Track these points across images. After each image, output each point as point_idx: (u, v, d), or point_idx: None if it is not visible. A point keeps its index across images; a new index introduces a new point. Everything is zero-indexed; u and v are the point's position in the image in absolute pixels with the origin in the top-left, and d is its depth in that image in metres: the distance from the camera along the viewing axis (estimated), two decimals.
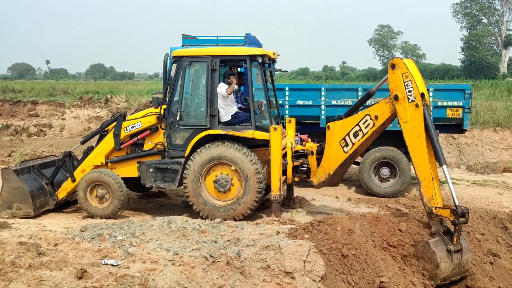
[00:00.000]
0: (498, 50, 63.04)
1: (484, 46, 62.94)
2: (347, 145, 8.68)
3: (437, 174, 7.67)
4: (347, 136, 8.64)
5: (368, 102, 9.36)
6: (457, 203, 7.22)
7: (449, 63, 68.92)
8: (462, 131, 12.27)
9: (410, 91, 7.77)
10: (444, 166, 7.50)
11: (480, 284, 7.26)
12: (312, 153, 9.50)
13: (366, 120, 8.42)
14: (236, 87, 9.66)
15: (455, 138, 19.31)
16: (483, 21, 65.57)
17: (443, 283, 7.24)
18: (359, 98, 9.24)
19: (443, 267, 7.06)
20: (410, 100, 7.75)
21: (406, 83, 7.80)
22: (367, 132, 8.44)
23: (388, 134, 11.79)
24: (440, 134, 12.63)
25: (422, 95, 7.73)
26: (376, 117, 8.31)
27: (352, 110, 9.00)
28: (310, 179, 9.46)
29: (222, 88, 9.32)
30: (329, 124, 8.99)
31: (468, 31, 65.48)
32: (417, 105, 7.68)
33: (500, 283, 7.45)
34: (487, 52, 62.04)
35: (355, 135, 8.56)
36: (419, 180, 7.66)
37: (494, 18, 64.15)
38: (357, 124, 8.51)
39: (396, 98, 7.90)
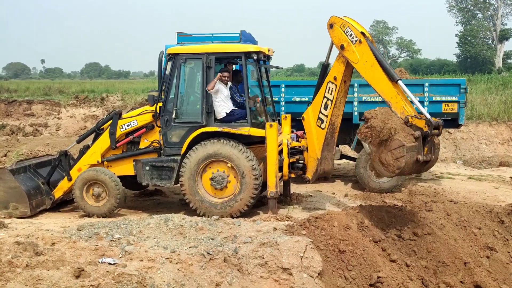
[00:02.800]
0: (493, 45, 63.07)
1: (479, 41, 62.96)
2: (322, 121, 9.14)
3: (400, 90, 8.07)
4: (320, 114, 9.13)
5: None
6: (428, 117, 7.52)
7: (444, 58, 68.97)
8: (457, 126, 12.29)
9: (351, 35, 8.43)
10: (399, 81, 8.07)
11: (477, 278, 7.28)
12: (307, 149, 9.51)
13: (329, 87, 8.98)
14: (230, 83, 9.66)
15: (451, 133, 19.34)
16: (478, 15, 65.56)
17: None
18: (318, 76, 9.59)
19: (404, 170, 7.32)
20: (354, 42, 8.40)
21: (345, 31, 8.50)
22: (333, 98, 8.95)
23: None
24: None
25: (362, 33, 8.42)
26: (335, 78, 8.88)
27: (316, 91, 9.34)
28: (306, 175, 9.49)
29: (217, 85, 9.31)
30: (303, 115, 9.40)
31: (463, 26, 65.48)
32: (360, 41, 8.34)
33: (497, 277, 7.48)
34: (483, 46, 62.05)
35: (326, 107, 9.05)
36: (387, 102, 8.01)
37: (489, 12, 64.15)
38: (324, 96, 9.04)
39: (342, 47, 8.54)
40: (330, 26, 8.71)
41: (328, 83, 8.99)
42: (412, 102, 7.99)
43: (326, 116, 9.10)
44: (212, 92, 9.20)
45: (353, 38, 8.42)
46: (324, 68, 9.41)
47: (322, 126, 9.15)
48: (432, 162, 7.68)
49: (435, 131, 7.52)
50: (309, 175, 9.49)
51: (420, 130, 7.39)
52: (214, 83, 9.25)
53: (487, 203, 9.69)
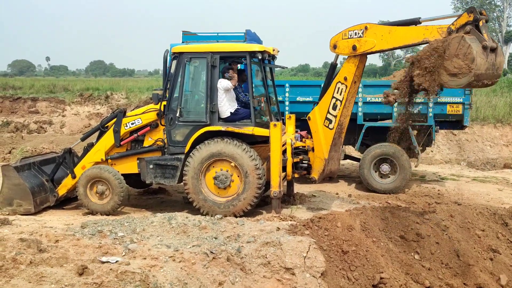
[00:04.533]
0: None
1: None
2: (330, 121, 9.18)
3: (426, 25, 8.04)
4: (328, 114, 9.16)
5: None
6: (467, 9, 7.37)
7: None
8: (462, 127, 12.27)
9: (355, 33, 8.58)
10: (421, 20, 8.07)
11: (480, 280, 7.27)
12: (312, 149, 9.51)
13: (339, 88, 8.99)
14: (237, 83, 9.69)
15: (456, 135, 19.30)
16: None
17: (475, 83, 7.20)
18: (326, 77, 9.63)
19: (479, 62, 6.89)
20: (362, 34, 8.50)
21: (349, 36, 8.67)
22: (343, 98, 8.97)
23: (389, 131, 11.84)
24: (440, 130, 12.65)
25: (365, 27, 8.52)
26: (345, 79, 8.90)
27: (324, 91, 9.36)
28: (311, 175, 9.48)
29: (223, 83, 9.33)
30: (308, 115, 9.42)
31: None
32: (366, 28, 8.46)
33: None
34: None
35: (334, 107, 9.09)
36: (424, 40, 7.81)
37: (495, 14, 63.94)
38: (333, 97, 9.06)
39: (355, 48, 8.60)
40: (334, 47, 8.86)
41: (337, 83, 9.01)
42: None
43: (335, 116, 9.13)
44: (228, 88, 9.34)
45: (358, 32, 8.56)
46: (332, 68, 9.42)
47: (330, 126, 9.19)
48: (498, 49, 7.31)
49: (482, 16, 7.25)
50: (315, 175, 9.49)
51: (466, 24, 7.29)
52: (236, 81, 9.49)
53: (491, 205, 9.67)
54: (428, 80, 7.34)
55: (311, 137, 9.97)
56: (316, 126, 9.35)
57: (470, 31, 7.20)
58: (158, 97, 9.60)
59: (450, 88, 7.94)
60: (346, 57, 9.00)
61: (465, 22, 7.35)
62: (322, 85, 9.91)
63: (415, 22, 8.14)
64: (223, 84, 9.35)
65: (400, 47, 8.55)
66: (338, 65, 9.60)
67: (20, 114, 25.08)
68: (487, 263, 7.62)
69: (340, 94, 9.02)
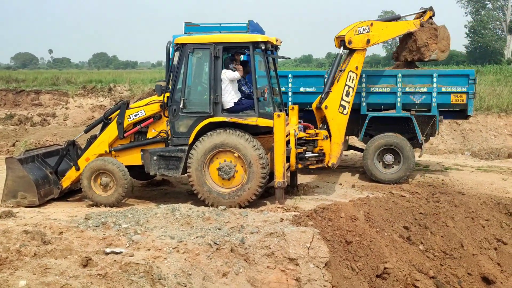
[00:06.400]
0: (503, 36, 62.45)
1: (489, 32, 62.38)
2: (344, 108, 10.27)
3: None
4: (342, 101, 10.21)
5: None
6: (425, 8, 11.98)
7: (453, 49, 68.16)
8: (466, 117, 12.20)
9: (363, 29, 10.47)
10: (400, 16, 11.91)
11: (485, 270, 7.27)
12: (326, 137, 9.73)
13: (351, 76, 10.33)
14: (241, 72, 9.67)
15: (459, 124, 19.24)
16: (487, 6, 64.89)
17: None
18: (333, 65, 10.62)
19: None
20: (369, 29, 10.57)
21: (359, 32, 10.43)
22: (354, 85, 10.39)
23: (392, 121, 11.80)
24: (444, 120, 12.56)
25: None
26: (356, 68, 10.45)
27: (332, 80, 10.38)
28: (330, 162, 9.84)
29: (228, 73, 9.31)
30: (324, 104, 10.19)
31: (473, 16, 64.90)
32: (372, 24, 10.65)
33: (505, 269, 7.46)
34: (492, 37, 61.45)
35: (347, 94, 10.29)
36: (408, 31, 11.73)
37: (499, 3, 63.46)
38: (346, 85, 10.27)
39: (368, 41, 10.58)
40: (349, 42, 10.30)
41: (349, 72, 10.29)
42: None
43: (348, 102, 10.27)
44: (235, 79, 9.42)
45: (365, 28, 10.48)
46: (340, 57, 10.53)
47: (345, 112, 10.25)
48: None
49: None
50: (333, 160, 9.92)
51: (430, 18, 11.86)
52: (242, 71, 9.55)
53: (495, 194, 9.65)
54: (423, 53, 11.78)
55: (315, 127, 10.01)
56: (332, 114, 10.11)
57: (432, 22, 11.84)
58: (161, 89, 9.57)
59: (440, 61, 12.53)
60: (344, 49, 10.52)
61: (429, 17, 11.82)
62: (326, 75, 10.65)
63: (397, 18, 11.76)
64: (229, 74, 9.33)
65: (393, 38, 12.24)
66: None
67: (24, 106, 25.13)
68: (491, 253, 7.63)
69: (352, 82, 10.34)
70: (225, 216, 7.50)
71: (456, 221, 7.78)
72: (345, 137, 12.00)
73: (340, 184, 11.46)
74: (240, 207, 8.92)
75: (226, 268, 6.08)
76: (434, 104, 11.55)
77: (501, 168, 13.52)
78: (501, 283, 7.28)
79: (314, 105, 10.26)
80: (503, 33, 62.58)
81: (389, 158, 11.71)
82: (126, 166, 9.71)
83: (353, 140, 14.49)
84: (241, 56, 10.19)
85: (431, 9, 11.85)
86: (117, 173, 9.54)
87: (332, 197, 10.10)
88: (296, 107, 10.31)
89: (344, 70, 10.34)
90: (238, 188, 9.18)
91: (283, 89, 11.72)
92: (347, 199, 9.23)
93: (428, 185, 11.30)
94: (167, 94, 9.51)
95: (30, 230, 6.44)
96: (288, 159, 9.34)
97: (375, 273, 6.67)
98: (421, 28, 11.70)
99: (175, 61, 9.51)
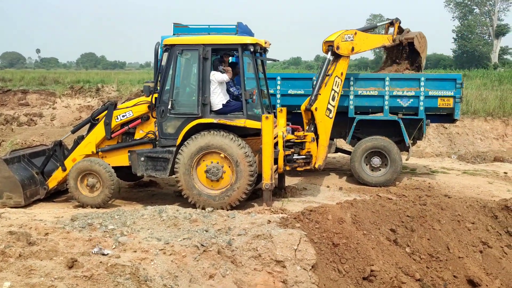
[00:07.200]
0: (489, 40, 63.08)
1: (476, 36, 62.99)
2: (330, 111, 10.56)
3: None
4: (328, 105, 10.48)
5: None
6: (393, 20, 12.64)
7: (440, 53, 68.82)
8: (453, 120, 12.29)
9: (349, 36, 10.84)
10: (375, 26, 13.56)
11: (470, 273, 7.31)
12: (314, 139, 9.85)
13: (336, 81, 10.65)
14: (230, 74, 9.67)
15: (446, 128, 19.36)
16: (475, 11, 65.54)
17: None
18: (322, 70, 10.71)
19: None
20: (353, 37, 10.96)
21: (345, 39, 10.76)
22: (339, 90, 10.76)
23: (380, 124, 11.86)
24: (431, 123, 12.66)
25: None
26: (342, 74, 10.80)
27: (321, 83, 10.52)
28: (317, 164, 9.93)
29: (217, 75, 9.31)
30: (314, 106, 10.26)
31: (460, 21, 65.47)
32: (355, 33, 11.04)
33: (490, 271, 7.51)
34: (479, 42, 62.05)
35: (333, 98, 10.59)
36: (383, 45, 12.55)
37: (486, 8, 64.13)
38: (332, 89, 10.53)
39: (353, 49, 10.98)
40: (337, 48, 10.57)
41: (335, 77, 10.59)
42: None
43: (334, 106, 10.59)
44: (223, 81, 9.43)
45: (350, 36, 10.88)
46: (328, 62, 10.68)
47: (330, 115, 10.53)
48: None
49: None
50: (320, 162, 10.03)
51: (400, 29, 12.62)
52: (231, 74, 9.54)
53: (481, 198, 9.72)
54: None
55: (303, 130, 10.05)
56: (321, 117, 10.30)
57: (409, 30, 12.74)
58: (150, 90, 9.55)
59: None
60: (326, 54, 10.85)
61: (398, 27, 12.51)
62: (315, 78, 10.90)
63: (374, 27, 13.06)
64: (217, 76, 9.32)
65: (372, 49, 13.08)
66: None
67: (10, 106, 24.89)
68: (477, 256, 7.67)
69: (337, 87, 10.67)
70: (212, 218, 7.48)
71: (442, 224, 7.81)
72: (333, 139, 12.05)
73: (328, 187, 11.49)
74: (231, 207, 8.93)
75: (213, 270, 6.06)
76: (421, 108, 11.62)
77: (487, 172, 13.63)
78: (487, 285, 7.32)
79: (303, 107, 10.29)
80: (490, 38, 63.21)
81: (376, 161, 11.78)
82: (114, 167, 9.67)
83: (341, 143, 14.53)
84: (230, 58, 10.19)
85: (396, 20, 12.46)
86: (103, 174, 9.50)
87: (320, 199, 10.13)
88: (284, 109, 10.34)
89: (331, 75, 10.54)
90: (227, 189, 9.18)
91: (271, 91, 11.74)
92: (334, 202, 9.24)
93: (415, 188, 11.36)
94: (155, 95, 9.49)
95: (15, 231, 6.38)
96: (276, 161, 9.36)
97: (361, 276, 6.68)
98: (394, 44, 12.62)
99: (164, 62, 9.49)
